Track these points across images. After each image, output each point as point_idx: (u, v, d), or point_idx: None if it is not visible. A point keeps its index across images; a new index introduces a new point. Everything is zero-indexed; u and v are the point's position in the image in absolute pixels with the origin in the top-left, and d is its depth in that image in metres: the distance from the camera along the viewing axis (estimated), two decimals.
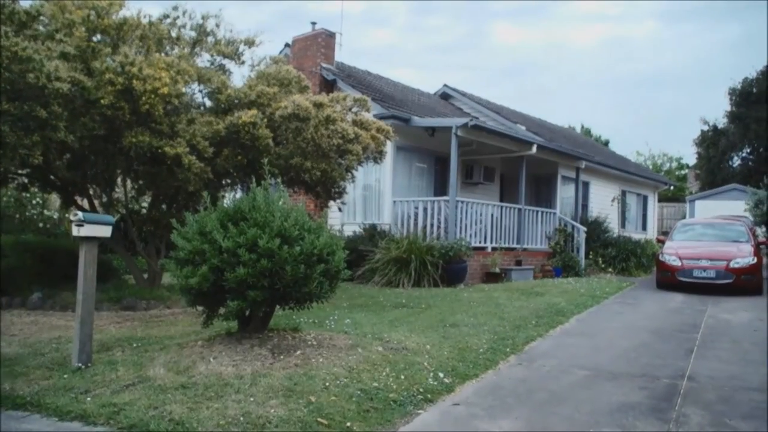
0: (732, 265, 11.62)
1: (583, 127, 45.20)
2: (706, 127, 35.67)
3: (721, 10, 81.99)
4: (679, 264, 12.04)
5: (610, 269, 15.89)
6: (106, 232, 5.31)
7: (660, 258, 12.64)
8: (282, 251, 5.02)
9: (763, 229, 14.11)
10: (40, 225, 13.63)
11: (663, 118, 72.68)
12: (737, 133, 32.87)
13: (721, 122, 35.08)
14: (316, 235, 5.38)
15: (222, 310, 5.51)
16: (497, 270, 13.18)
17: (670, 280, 12.14)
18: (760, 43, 69.44)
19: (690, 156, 43.40)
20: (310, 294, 5.39)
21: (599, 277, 14.14)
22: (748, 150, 34.09)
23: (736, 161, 34.69)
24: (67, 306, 8.20)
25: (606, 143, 41.24)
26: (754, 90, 32.30)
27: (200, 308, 5.75)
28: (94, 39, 7.85)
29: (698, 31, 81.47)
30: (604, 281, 12.96)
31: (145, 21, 8.34)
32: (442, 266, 11.59)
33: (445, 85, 20.66)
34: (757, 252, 12.23)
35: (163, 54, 8.41)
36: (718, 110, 57.93)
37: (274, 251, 5.01)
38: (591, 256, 16.21)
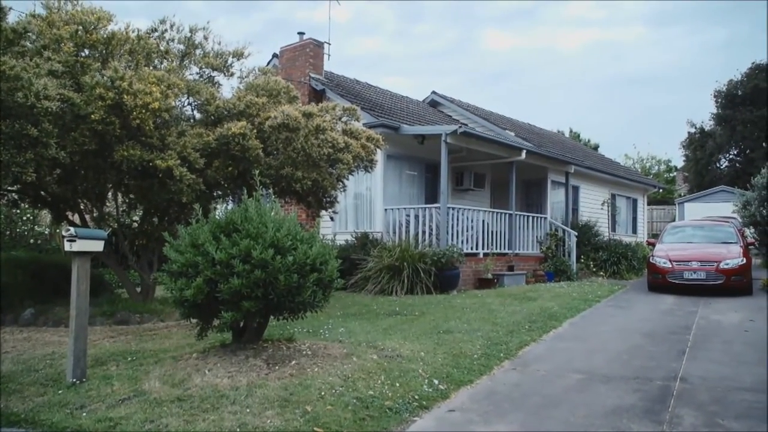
0: (722, 266, 11.72)
1: (572, 131, 45.44)
2: (693, 130, 36.02)
3: (706, 13, 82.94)
4: (670, 266, 12.13)
5: (601, 273, 15.97)
6: (98, 246, 5.31)
7: (651, 260, 12.73)
8: (275, 261, 5.04)
9: (752, 230, 14.19)
10: (31, 241, 13.57)
11: (651, 120, 73.31)
12: (724, 135, 33.19)
13: (708, 124, 35.45)
14: (309, 245, 5.40)
15: (216, 322, 5.51)
16: (489, 276, 13.22)
17: (661, 282, 12.22)
18: (745, 45, 70.28)
19: (678, 158, 43.70)
20: (303, 303, 5.41)
21: (591, 281, 14.21)
22: (735, 152, 34.44)
23: (724, 163, 35.02)
24: (59, 321, 8.16)
25: (596, 147, 41.47)
26: (740, 92, 32.64)
27: (194, 320, 5.74)
28: (83, 54, 7.86)
29: (684, 35, 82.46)
30: (596, 285, 13.02)
31: (133, 35, 8.35)
32: (434, 273, 11.61)
33: (434, 92, 20.72)
34: (746, 253, 12.33)
35: (152, 68, 8.43)
36: (704, 113, 58.54)
37: (268, 262, 5.02)
38: (582, 260, 16.30)
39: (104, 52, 7.97)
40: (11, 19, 7.36)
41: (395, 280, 11.48)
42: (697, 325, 8.34)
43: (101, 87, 7.22)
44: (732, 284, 11.64)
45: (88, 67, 7.58)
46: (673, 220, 26.32)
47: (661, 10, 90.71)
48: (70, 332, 5.18)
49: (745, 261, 11.88)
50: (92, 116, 7.22)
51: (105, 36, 7.94)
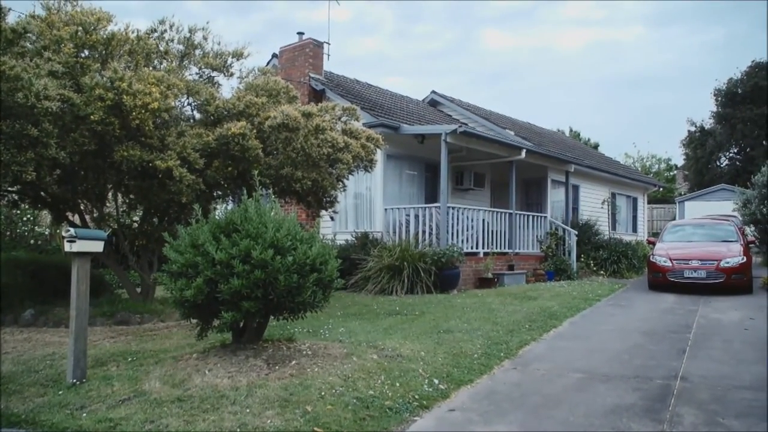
0: (722, 264, 11.71)
1: (571, 130, 45.40)
2: (693, 128, 36.02)
3: (706, 13, 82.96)
4: (670, 265, 12.12)
5: (601, 271, 15.97)
6: (98, 247, 5.31)
7: (651, 259, 12.72)
8: (275, 262, 5.03)
9: (752, 228, 14.19)
10: (32, 241, 13.57)
11: (651, 119, 73.32)
12: (724, 133, 33.19)
13: (708, 123, 35.44)
14: (309, 245, 5.40)
15: (216, 322, 5.51)
16: (490, 275, 13.22)
17: (661, 281, 12.22)
18: (744, 44, 70.32)
19: (678, 157, 43.73)
20: (303, 303, 5.40)
21: (591, 280, 14.21)
22: (735, 150, 34.43)
23: (724, 161, 35.02)
24: (60, 322, 8.16)
25: (595, 146, 41.45)
26: (740, 90, 32.63)
27: (194, 321, 5.74)
28: (83, 55, 7.86)
29: (684, 34, 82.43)
30: (596, 284, 13.02)
31: (133, 36, 8.35)
32: (434, 273, 11.61)
33: (434, 92, 20.71)
34: (746, 251, 12.33)
35: (151, 68, 8.43)
36: (704, 111, 58.66)
37: (268, 262, 5.02)
38: (582, 259, 16.29)
39: (104, 52, 7.98)
40: (11, 19, 7.37)
41: (395, 280, 11.48)
42: (697, 323, 8.34)
43: (101, 87, 7.22)
44: (732, 283, 11.63)
45: (88, 68, 7.58)
46: (674, 219, 26.31)
47: (661, 10, 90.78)
48: (70, 333, 5.19)
49: (745, 259, 11.87)
50: (92, 117, 7.22)
51: (105, 37, 7.94)
